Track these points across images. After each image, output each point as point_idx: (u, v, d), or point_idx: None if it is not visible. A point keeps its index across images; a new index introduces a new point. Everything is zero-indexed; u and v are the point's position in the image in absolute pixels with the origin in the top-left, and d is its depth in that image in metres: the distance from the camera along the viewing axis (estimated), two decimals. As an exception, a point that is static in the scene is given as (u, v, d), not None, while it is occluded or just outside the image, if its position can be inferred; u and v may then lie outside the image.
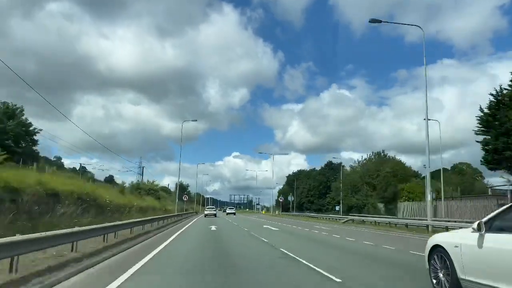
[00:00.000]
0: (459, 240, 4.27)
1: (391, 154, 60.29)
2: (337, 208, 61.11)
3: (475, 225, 4.00)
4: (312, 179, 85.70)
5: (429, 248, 4.81)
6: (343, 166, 77.88)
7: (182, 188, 73.86)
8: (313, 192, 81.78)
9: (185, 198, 49.91)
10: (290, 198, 63.32)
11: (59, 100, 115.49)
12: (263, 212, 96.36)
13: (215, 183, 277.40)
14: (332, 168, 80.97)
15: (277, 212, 76.80)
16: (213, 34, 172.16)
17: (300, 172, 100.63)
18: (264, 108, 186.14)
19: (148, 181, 47.86)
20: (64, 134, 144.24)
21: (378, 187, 51.90)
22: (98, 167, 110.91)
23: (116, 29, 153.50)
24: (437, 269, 4.56)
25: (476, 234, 3.93)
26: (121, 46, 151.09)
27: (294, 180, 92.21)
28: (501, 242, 3.57)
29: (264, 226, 23.50)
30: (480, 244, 3.81)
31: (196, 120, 36.71)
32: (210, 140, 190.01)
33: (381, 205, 47.39)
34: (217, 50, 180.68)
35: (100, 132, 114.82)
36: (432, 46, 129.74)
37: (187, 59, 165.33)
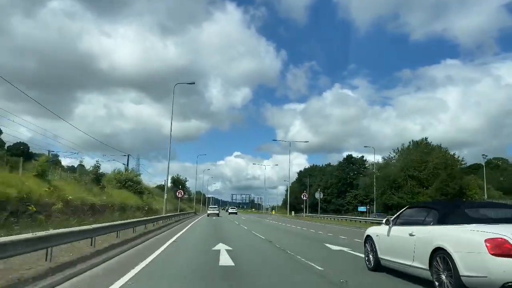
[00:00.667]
0: (379, 231, 6.47)
1: (434, 142, 49.65)
2: (361, 208, 55.52)
3: (385, 220, 6.37)
4: (329, 176, 77.28)
5: (364, 237, 6.99)
6: (366, 164, 69.86)
7: (179, 184, 63.79)
8: (331, 190, 74.16)
9: (180, 194, 37.44)
10: (318, 194, 50.59)
11: (61, 99, 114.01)
12: (273, 212, 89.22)
13: (217, 182, 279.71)
14: (352, 163, 73.51)
15: (293, 213, 66.26)
16: (215, 32, 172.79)
17: (313, 168, 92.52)
18: (266, 108, 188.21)
19: (127, 169, 34.77)
20: (66, 133, 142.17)
21: (430, 181, 43.09)
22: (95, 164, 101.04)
23: (118, 27, 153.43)
24: (368, 251, 6.75)
25: (387, 227, 6.13)
26: (123, 44, 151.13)
27: (307, 176, 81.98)
28: (397, 232, 5.81)
29: (326, 245, 11.35)
30: (388, 233, 6.05)
31: (193, 83, 24.95)
32: (212, 140, 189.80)
33: None
34: (219, 49, 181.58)
35: (101, 131, 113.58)
36: (437, 45, 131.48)
37: (189, 58, 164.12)
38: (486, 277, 4.00)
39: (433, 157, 44.59)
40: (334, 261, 7.96)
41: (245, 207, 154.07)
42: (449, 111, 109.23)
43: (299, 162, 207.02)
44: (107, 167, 72.63)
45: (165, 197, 26.95)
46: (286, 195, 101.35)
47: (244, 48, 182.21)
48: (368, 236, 6.84)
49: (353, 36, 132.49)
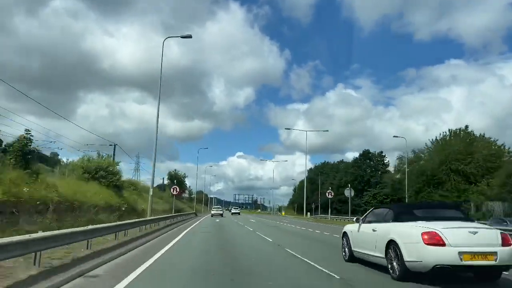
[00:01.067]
0: (352, 228, 9.17)
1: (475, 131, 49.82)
2: None
3: (356, 219, 9.21)
4: (343, 173, 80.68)
5: (342, 233, 9.80)
6: (385, 160, 72.64)
7: (177, 180, 65.07)
8: (345, 188, 74.08)
9: (175, 191, 34.57)
10: (348, 192, 46.68)
11: (63, 98, 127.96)
12: (283, 213, 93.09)
13: (219, 183, 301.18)
14: (370, 159, 76.50)
15: (308, 214, 68.74)
16: (219, 32, 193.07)
17: (324, 165, 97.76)
18: (269, 108, 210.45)
19: (101, 155, 31.33)
20: (69, 133, 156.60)
21: (478, 175, 43.35)
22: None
23: (121, 26, 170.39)
24: (344, 245, 9.44)
25: (358, 224, 8.82)
26: (126, 44, 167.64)
27: (318, 174, 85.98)
28: (365, 228, 8.31)
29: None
30: (358, 230, 8.69)
31: (190, 36, 21.90)
32: (215, 140, 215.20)
33: (495, 203, 34.90)
34: (222, 48, 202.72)
35: (104, 131, 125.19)
36: (441, 44, 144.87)
37: (192, 58, 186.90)
38: (421, 261, 6.23)
39: (479, 148, 44.80)
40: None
41: (248, 207, 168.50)
42: (453, 111, 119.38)
43: (303, 163, 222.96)
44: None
45: (151, 193, 21.94)
46: (294, 194, 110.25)
47: (247, 48, 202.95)
48: (345, 232, 9.49)
49: (357, 36, 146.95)
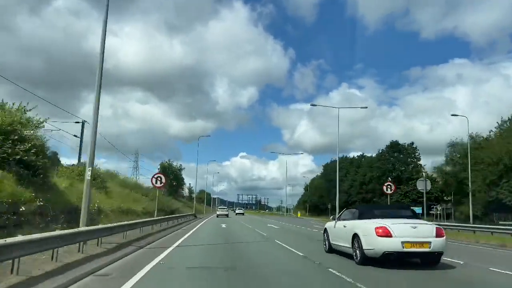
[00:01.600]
0: (330, 225, 11.24)
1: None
2: (417, 209, 47.33)
3: (332, 217, 14.01)
4: (367, 168, 72.58)
5: (323, 229, 11.87)
6: (417, 153, 65.42)
7: (171, 173, 59.11)
8: (370, 186, 68.04)
9: (158, 182, 20.58)
10: (423, 184, 28.52)
11: (67, 98, 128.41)
12: (299, 214, 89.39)
13: (222, 183, 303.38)
14: (399, 151, 68.27)
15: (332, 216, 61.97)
16: (222, 31, 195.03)
17: (343, 160, 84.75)
18: (272, 108, 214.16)
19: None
20: (73, 133, 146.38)
21: None
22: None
23: (124, 25, 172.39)
24: (325, 239, 11.48)
25: (334, 222, 11.02)
26: (129, 43, 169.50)
27: (336, 170, 75.21)
28: (339, 225, 10.44)
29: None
30: (334, 226, 10.78)
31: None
32: (218, 140, 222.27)
33: None
34: (226, 47, 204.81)
35: (107, 131, 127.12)
36: (447, 43, 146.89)
37: (195, 57, 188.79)
38: (374, 249, 8.24)
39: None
40: None
41: (253, 207, 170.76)
42: (458, 111, 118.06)
43: (305, 163, 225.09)
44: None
45: (87, 180, 11.73)
46: (306, 193, 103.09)
47: (250, 47, 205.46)
48: (325, 229, 11.65)
49: (361, 35, 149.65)
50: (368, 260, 8.48)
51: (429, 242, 8.16)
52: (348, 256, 9.52)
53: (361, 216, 9.53)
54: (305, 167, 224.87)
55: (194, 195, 71.55)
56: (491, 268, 8.91)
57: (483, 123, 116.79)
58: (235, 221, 37.95)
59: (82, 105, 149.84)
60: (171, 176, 58.69)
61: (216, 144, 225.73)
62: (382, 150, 71.33)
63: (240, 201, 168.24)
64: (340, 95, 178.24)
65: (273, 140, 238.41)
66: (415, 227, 8.34)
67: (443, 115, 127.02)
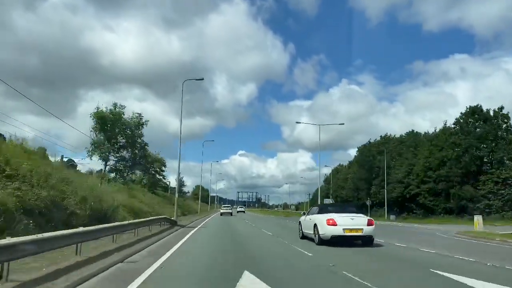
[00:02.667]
0: (302, 218, 15.73)
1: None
2: None
3: (303, 213, 18.22)
4: (433, 147, 52.01)
5: (298, 222, 16.27)
6: None
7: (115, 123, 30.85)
8: (444, 171, 48.80)
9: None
10: None
11: (63, 96, 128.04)
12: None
13: (222, 181, 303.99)
14: (485, 120, 48.52)
15: (393, 217, 51.48)
16: (221, 25, 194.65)
17: (385, 139, 66.00)
18: (271, 105, 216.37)
19: None
20: (69, 132, 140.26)
21: None
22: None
23: (121, 21, 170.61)
24: (299, 229, 15.78)
25: (304, 216, 15.57)
26: (126, 39, 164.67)
27: (373, 155, 61.76)
28: (307, 218, 14.89)
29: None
30: (304, 219, 15.25)
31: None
32: (217, 138, 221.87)
33: None
34: (225, 43, 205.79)
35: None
36: (450, 36, 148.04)
37: (194, 53, 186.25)
38: (325, 233, 12.30)
39: None
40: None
41: (255, 205, 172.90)
42: (458, 107, 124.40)
43: (304, 161, 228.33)
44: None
45: None
46: (325, 187, 79.40)
47: (250, 42, 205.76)
48: (299, 222, 15.83)
49: (363, 28, 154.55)
50: (323, 241, 12.49)
51: (362, 229, 12.24)
52: (312, 240, 13.53)
53: (320, 212, 13.70)
54: (304, 165, 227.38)
55: (176, 188, 34.32)
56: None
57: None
58: (236, 216, 40.41)
59: (80, 103, 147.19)
60: (121, 138, 33.02)
61: (215, 143, 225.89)
62: (457, 119, 51.37)
63: (240, 199, 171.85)
64: (341, 91, 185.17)
65: (272, 138, 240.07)
66: (353, 219, 12.42)
67: (445, 110, 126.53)
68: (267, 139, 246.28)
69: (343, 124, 46.08)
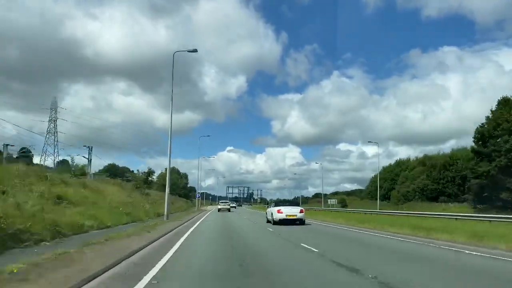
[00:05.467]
0: (268, 209, 26.30)
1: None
2: None
3: (268, 205, 36.93)
4: None
5: (266, 212, 27.38)
6: None
7: None
8: None
9: None
10: None
11: (45, 90, 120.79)
12: None
13: (210, 178, 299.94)
14: None
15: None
16: (210, 12, 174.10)
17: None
18: (262, 98, 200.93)
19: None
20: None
21: None
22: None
23: (105, 8, 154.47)
24: (266, 216, 25.77)
25: (271, 208, 24.62)
26: (111, 27, 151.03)
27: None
28: (269, 209, 25.12)
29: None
30: (268, 210, 25.62)
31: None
32: (205, 133, 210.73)
33: None
34: (214, 32, 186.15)
35: (90, 125, 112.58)
36: (450, 21, 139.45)
37: (182, 42, 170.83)
38: (276, 218, 22.45)
39: None
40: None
41: (255, 202, 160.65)
42: (450, 99, 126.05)
43: (293, 156, 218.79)
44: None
45: None
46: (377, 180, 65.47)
47: (241, 31, 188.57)
48: (266, 212, 27.02)
49: (359, 15, 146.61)
50: (276, 223, 22.22)
51: (296, 215, 22.17)
52: (270, 222, 23.28)
53: (275, 206, 24.25)
54: (293, 160, 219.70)
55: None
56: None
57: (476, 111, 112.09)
58: (235, 212, 51.93)
59: (63, 97, 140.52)
60: None
61: (204, 138, 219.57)
62: None
63: (230, 194, 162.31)
64: (332, 83, 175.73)
65: (262, 133, 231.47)
66: (291, 209, 22.46)
67: (437, 102, 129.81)
68: (257, 134, 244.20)
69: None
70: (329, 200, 76.62)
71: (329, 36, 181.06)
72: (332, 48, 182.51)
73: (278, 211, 22.25)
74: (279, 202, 28.42)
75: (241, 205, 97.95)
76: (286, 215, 21.96)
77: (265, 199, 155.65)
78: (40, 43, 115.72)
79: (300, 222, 22.34)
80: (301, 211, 22.58)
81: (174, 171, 66.75)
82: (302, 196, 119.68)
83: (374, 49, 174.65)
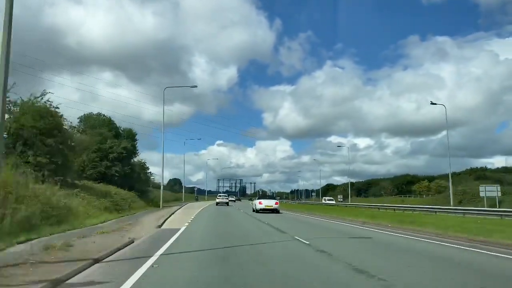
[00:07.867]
0: (253, 201, 36.02)
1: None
2: None
3: (252, 199, 60.39)
4: None
5: (251, 203, 39.36)
6: None
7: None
8: None
9: None
10: None
11: (28, 82, 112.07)
12: None
13: (199, 172, 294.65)
14: None
15: None
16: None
17: None
18: (253, 90, 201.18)
19: None
20: None
21: None
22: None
23: None
24: (251, 206, 33.85)
25: (255, 200, 33.95)
26: (95, 14, 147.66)
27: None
28: (254, 201, 33.81)
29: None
30: (252, 202, 36.58)
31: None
32: (195, 127, 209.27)
33: None
34: (204, 18, 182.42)
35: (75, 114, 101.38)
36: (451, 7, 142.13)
37: (171, 31, 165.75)
38: (257, 208, 29.40)
39: None
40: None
41: (250, 196, 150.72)
42: (446, 89, 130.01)
43: (284, 149, 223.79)
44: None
45: None
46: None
47: (233, 16, 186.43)
48: (251, 203, 37.00)
49: (356, 4, 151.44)
50: (258, 211, 28.79)
51: (272, 205, 29.01)
52: (253, 211, 29.71)
53: (258, 198, 31.61)
54: (284, 153, 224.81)
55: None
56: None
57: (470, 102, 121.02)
58: (233, 205, 56.97)
59: (47, 88, 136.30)
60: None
61: (194, 133, 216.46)
62: None
63: (221, 187, 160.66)
64: (325, 73, 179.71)
65: (253, 125, 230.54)
66: (269, 201, 29.48)
67: (432, 93, 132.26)
68: (248, 126, 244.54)
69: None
70: (323, 199, 78.17)
71: (324, 23, 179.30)
72: (327, 36, 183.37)
73: (259, 203, 28.99)
74: (261, 196, 37.03)
75: (240, 199, 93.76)
76: (265, 205, 28.66)
77: (265, 192, 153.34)
78: (18, 32, 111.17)
79: (275, 211, 28.87)
80: (276, 203, 29.35)
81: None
82: (306, 190, 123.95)
83: (370, 38, 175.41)
